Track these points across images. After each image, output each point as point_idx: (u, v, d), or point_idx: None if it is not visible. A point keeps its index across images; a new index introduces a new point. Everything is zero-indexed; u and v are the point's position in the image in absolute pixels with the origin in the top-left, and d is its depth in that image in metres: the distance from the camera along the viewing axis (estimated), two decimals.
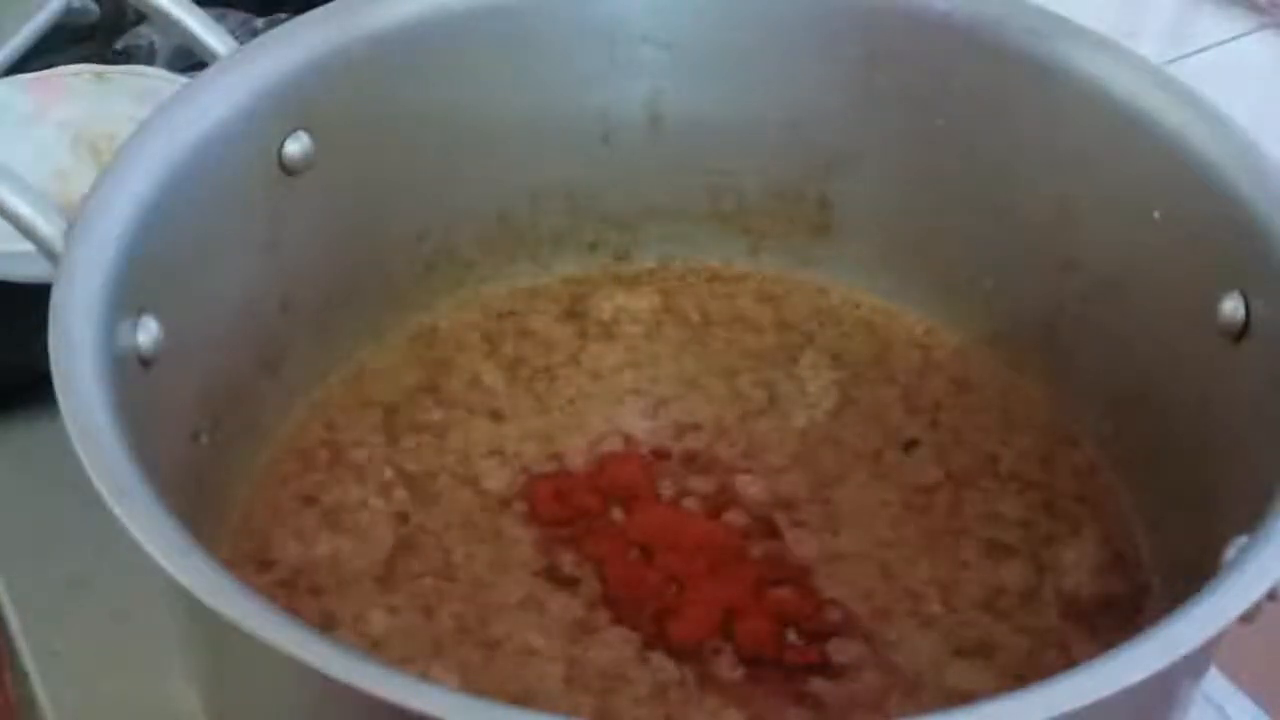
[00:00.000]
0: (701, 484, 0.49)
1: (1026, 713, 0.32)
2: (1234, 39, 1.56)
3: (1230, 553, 0.37)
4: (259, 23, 0.67)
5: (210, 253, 0.45)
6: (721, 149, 0.54)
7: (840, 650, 0.44)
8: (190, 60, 0.63)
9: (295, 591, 0.45)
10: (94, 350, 0.38)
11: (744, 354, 0.53)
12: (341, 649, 0.32)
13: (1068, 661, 0.44)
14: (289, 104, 0.46)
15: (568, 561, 0.46)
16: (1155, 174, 0.47)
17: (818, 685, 0.43)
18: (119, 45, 0.67)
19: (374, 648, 0.43)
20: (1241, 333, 0.43)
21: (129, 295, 0.40)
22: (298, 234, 0.48)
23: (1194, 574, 0.36)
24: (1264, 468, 0.40)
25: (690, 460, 0.49)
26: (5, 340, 0.48)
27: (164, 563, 0.33)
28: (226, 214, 0.45)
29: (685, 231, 0.55)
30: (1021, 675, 0.44)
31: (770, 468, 0.49)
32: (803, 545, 0.47)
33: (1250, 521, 0.37)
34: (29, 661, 0.48)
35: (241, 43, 0.48)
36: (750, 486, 0.49)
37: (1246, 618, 0.34)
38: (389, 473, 0.48)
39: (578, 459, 0.49)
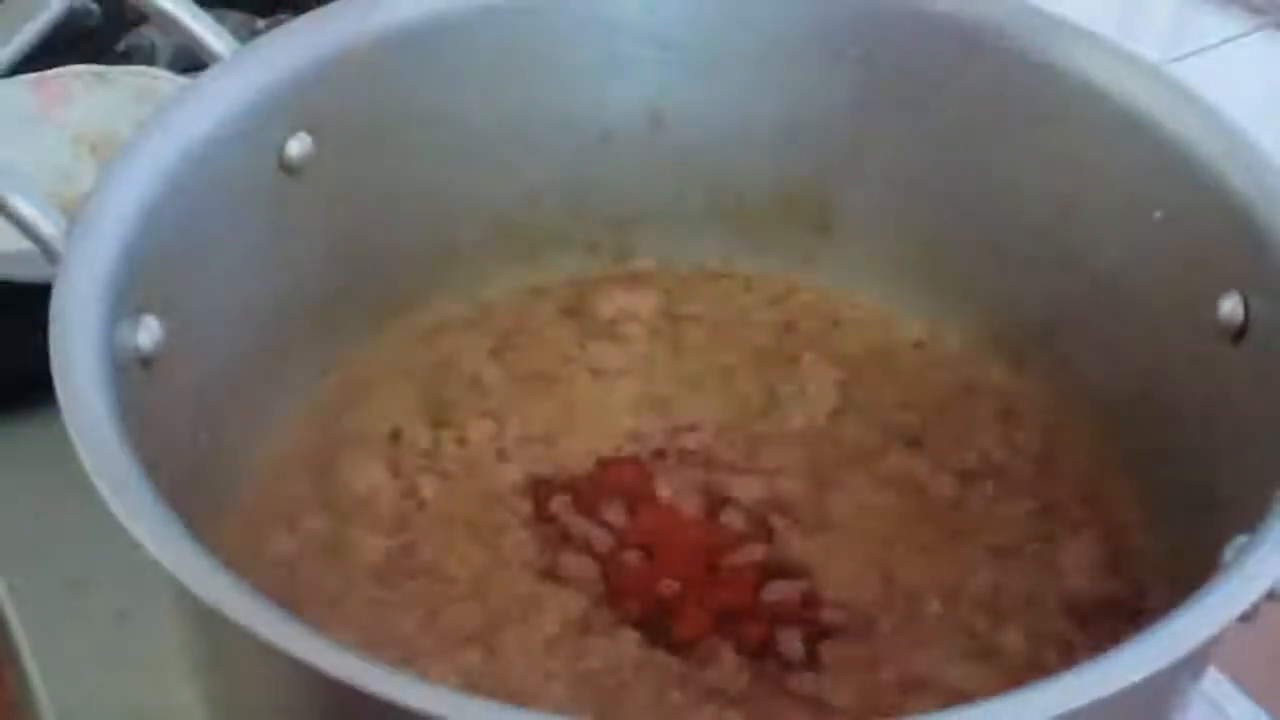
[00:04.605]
0: (701, 484, 0.49)
1: (1026, 713, 0.32)
2: (1234, 39, 1.56)
3: (1230, 553, 0.37)
4: (260, 23, 0.67)
5: (210, 253, 0.45)
6: (721, 149, 0.54)
7: (840, 650, 0.44)
8: (191, 61, 0.63)
9: (296, 591, 0.45)
10: (94, 350, 0.38)
11: (744, 354, 0.53)
12: (341, 649, 0.32)
13: (1068, 661, 0.44)
14: (290, 104, 0.47)
15: (568, 561, 0.46)
16: (1155, 174, 0.47)
17: (817, 685, 0.43)
18: (120, 46, 0.67)
19: (374, 647, 0.43)
20: (1241, 333, 0.43)
21: (129, 295, 0.40)
22: (298, 234, 0.48)
23: (1194, 574, 0.36)
24: (1264, 468, 0.40)
25: (690, 460, 0.49)
26: (5, 340, 0.48)
27: (164, 562, 0.33)
28: (227, 214, 0.46)
29: (685, 231, 0.55)
30: (1021, 675, 0.44)
31: (770, 468, 0.49)
32: (802, 545, 0.47)
33: (1250, 521, 0.37)
34: (29, 661, 0.48)
35: (242, 43, 0.48)
36: (750, 486, 0.49)
37: (1246, 618, 0.34)
38: (389, 473, 0.48)
39: (578, 459, 0.49)
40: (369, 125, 0.49)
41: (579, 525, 0.47)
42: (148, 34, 0.67)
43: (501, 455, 0.49)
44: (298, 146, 0.47)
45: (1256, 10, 1.59)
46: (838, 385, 0.52)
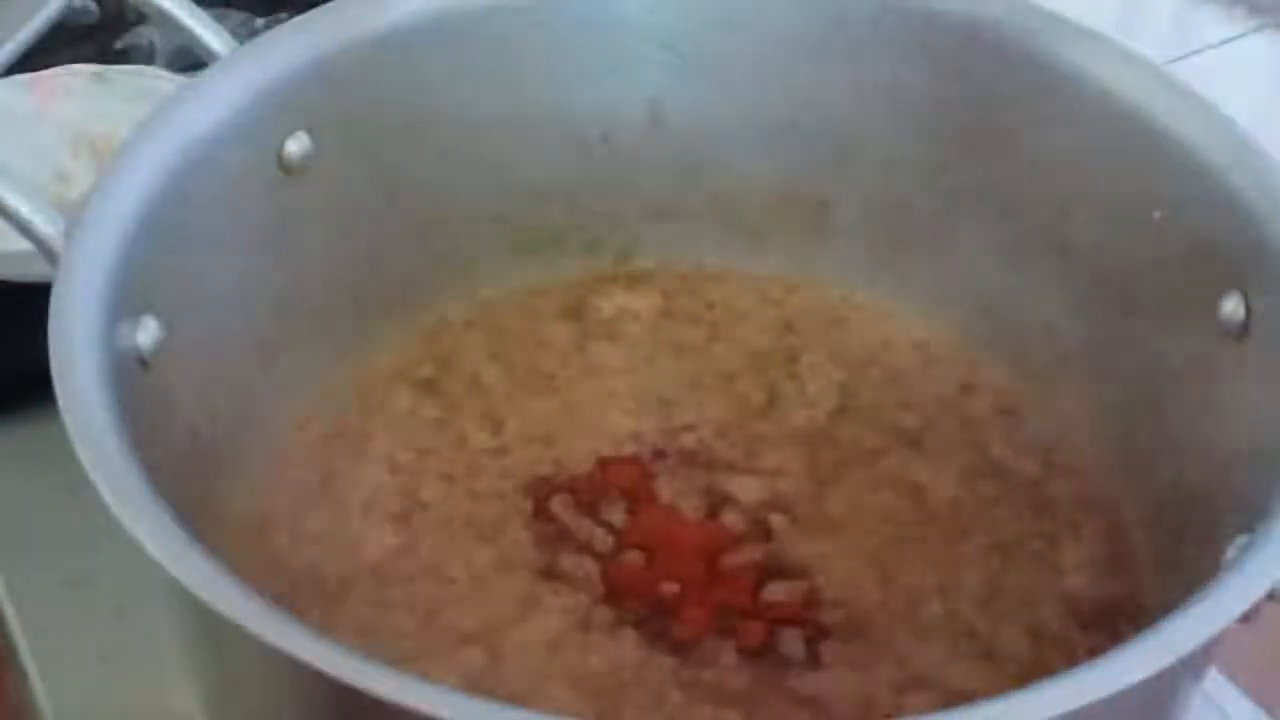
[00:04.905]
0: (701, 484, 0.49)
1: (1026, 713, 0.32)
2: (1234, 39, 1.56)
3: (1230, 553, 0.37)
4: (259, 23, 0.67)
5: (210, 253, 0.45)
6: (721, 149, 0.54)
7: (840, 650, 0.44)
8: (190, 60, 0.63)
9: (296, 591, 0.45)
10: (94, 350, 0.38)
11: (744, 354, 0.53)
12: (342, 649, 0.32)
13: (1068, 661, 0.44)
14: (289, 104, 0.46)
15: (568, 561, 0.46)
16: (1155, 174, 0.47)
17: (817, 685, 0.43)
18: (119, 45, 0.67)
19: (374, 648, 0.43)
20: (1242, 332, 0.43)
21: (129, 295, 0.40)
22: (297, 234, 0.48)
23: (1194, 574, 0.36)
24: (1264, 468, 0.40)
25: (690, 460, 0.49)
26: (5, 340, 0.48)
27: (164, 562, 0.33)
28: (227, 214, 0.45)
29: (685, 231, 0.55)
30: (1021, 675, 0.44)
31: (770, 468, 0.49)
32: (802, 545, 0.47)
33: (1250, 521, 0.37)
34: (29, 661, 0.48)
35: (241, 42, 0.48)
36: (750, 486, 0.49)
37: (1247, 618, 0.34)
38: (389, 473, 0.48)
39: (577, 459, 0.49)
40: (368, 124, 0.49)
41: (579, 525, 0.47)
42: (146, 33, 0.67)
43: (501, 455, 0.49)
44: (297, 146, 0.47)
45: (1258, 10, 1.59)
46: (838, 385, 0.52)
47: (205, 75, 0.46)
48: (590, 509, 0.48)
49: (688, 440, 0.50)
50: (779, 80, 0.53)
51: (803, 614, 0.45)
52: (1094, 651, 0.34)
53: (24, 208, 0.41)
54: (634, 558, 0.47)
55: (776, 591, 0.46)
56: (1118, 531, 0.48)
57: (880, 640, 0.44)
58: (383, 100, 0.49)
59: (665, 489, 0.48)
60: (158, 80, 0.62)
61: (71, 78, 0.61)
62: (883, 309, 0.54)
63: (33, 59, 0.54)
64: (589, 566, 0.46)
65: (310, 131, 0.47)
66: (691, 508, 0.48)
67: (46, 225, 0.41)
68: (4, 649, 0.50)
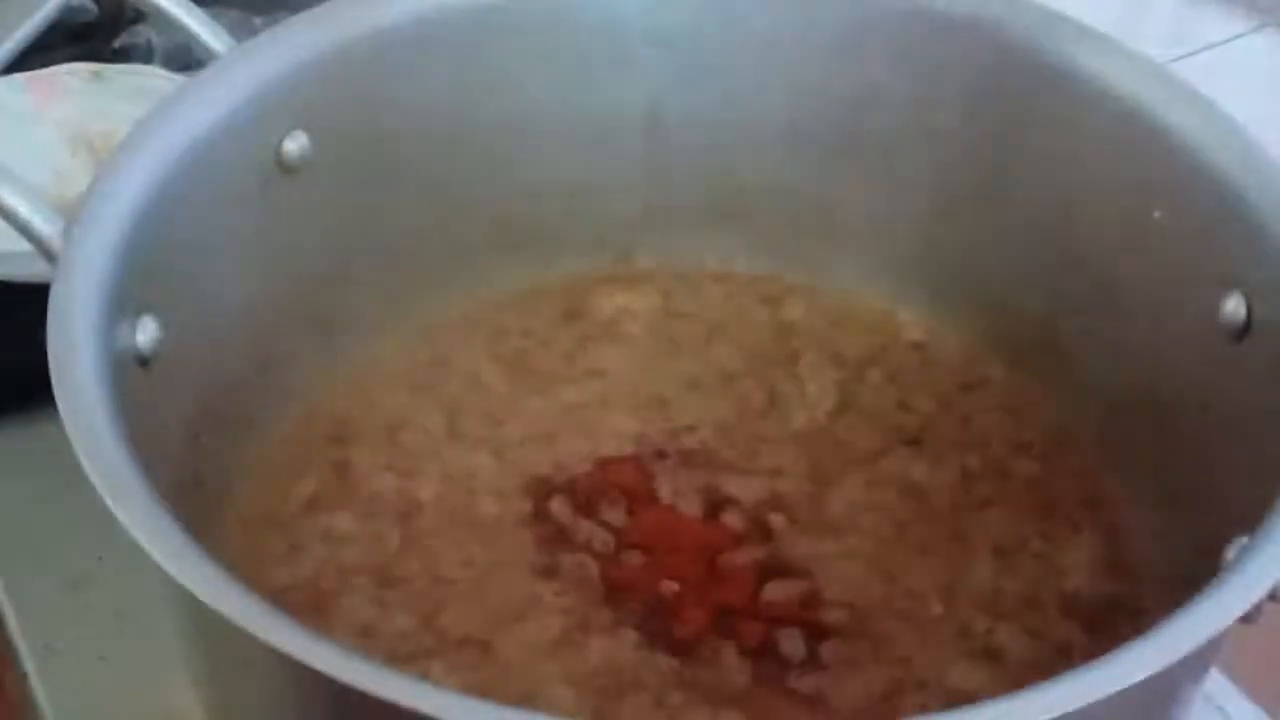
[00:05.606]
0: (701, 484, 0.49)
1: (1026, 713, 0.32)
2: (1234, 39, 1.56)
3: (1230, 553, 0.37)
4: (258, 21, 0.67)
5: (209, 252, 0.45)
6: (721, 149, 0.54)
7: (840, 651, 0.44)
8: (188, 59, 0.63)
9: (295, 591, 0.45)
10: (93, 350, 0.38)
11: (744, 354, 0.53)
12: (342, 649, 0.32)
13: (1068, 662, 0.43)
14: (287, 103, 0.46)
15: (568, 561, 0.46)
16: (1155, 174, 0.47)
17: (817, 685, 0.43)
18: (117, 44, 0.67)
19: (374, 648, 0.43)
20: (1242, 332, 0.43)
21: (128, 295, 0.40)
22: (296, 233, 0.48)
23: (1194, 574, 0.36)
24: (1264, 468, 0.40)
25: (690, 460, 0.49)
26: (5, 340, 0.48)
27: (164, 563, 0.33)
28: (225, 213, 0.45)
29: (685, 231, 0.55)
30: (1021, 675, 0.43)
31: (770, 468, 0.49)
32: (802, 546, 0.47)
33: (1250, 521, 0.37)
34: (29, 661, 0.48)
35: (240, 41, 0.48)
36: (750, 487, 0.49)
37: (1247, 618, 0.34)
38: (389, 473, 0.48)
39: (577, 459, 0.49)
40: (367, 124, 0.49)
41: (579, 525, 0.47)
42: (144, 32, 0.67)
43: (501, 455, 0.49)
44: (295, 145, 0.47)
45: (1258, 10, 1.59)
46: (838, 385, 0.52)
47: (203, 74, 0.46)
48: (590, 509, 0.48)
49: (688, 440, 0.50)
50: (779, 80, 0.53)
51: (803, 614, 0.45)
52: (1094, 652, 0.34)
53: (23, 207, 0.41)
54: (634, 557, 0.47)
55: (776, 591, 0.46)
56: (1118, 531, 0.48)
57: (880, 640, 0.44)
58: (381, 100, 0.49)
59: (665, 489, 0.48)
60: (156, 79, 0.62)
61: (70, 77, 0.61)
62: (883, 309, 0.54)
63: (31, 58, 0.54)
64: (589, 566, 0.46)
65: (309, 131, 0.47)
66: (692, 508, 0.48)
67: (45, 225, 0.41)
68: (4, 649, 0.50)
